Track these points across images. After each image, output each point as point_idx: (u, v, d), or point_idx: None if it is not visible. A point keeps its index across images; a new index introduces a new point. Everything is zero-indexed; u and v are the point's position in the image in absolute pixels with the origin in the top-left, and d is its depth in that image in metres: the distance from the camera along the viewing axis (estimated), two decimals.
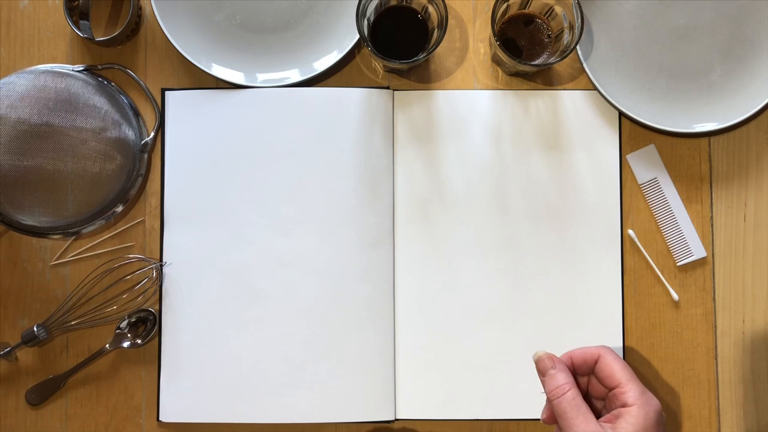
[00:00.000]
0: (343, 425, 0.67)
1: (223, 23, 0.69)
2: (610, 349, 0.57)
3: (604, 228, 0.68)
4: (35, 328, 0.66)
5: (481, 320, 0.67)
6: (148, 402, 0.67)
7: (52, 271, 0.68)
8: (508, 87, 0.69)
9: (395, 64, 0.63)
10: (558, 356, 0.57)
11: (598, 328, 0.67)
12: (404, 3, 0.66)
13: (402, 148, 0.69)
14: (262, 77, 0.68)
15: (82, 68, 0.68)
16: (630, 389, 0.54)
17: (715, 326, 0.68)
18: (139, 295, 0.67)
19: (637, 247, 0.68)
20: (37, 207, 0.65)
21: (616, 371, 0.55)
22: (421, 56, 0.63)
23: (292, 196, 0.68)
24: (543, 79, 0.69)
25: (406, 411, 0.67)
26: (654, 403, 0.54)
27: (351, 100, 0.68)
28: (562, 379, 0.54)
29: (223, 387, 0.67)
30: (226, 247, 0.68)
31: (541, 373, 0.56)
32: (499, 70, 0.69)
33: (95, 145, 0.65)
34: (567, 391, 0.54)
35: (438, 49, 0.62)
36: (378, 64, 0.69)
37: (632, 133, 0.69)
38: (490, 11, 0.63)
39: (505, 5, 0.64)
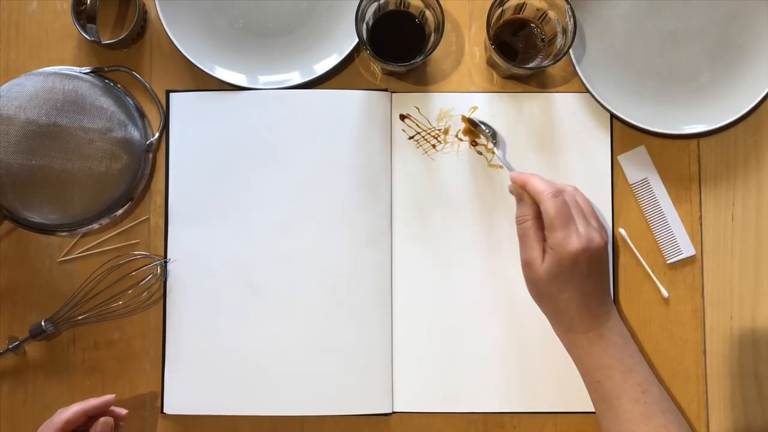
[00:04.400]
0: (342, 418, 0.69)
1: (226, 27, 0.70)
2: (554, 194, 0.60)
3: None
4: (43, 323, 0.68)
5: (476, 316, 0.69)
6: (153, 395, 0.69)
7: (59, 268, 0.70)
8: (502, 89, 0.71)
9: (393, 67, 0.65)
10: (530, 182, 0.62)
11: None
12: (402, 8, 0.67)
13: (399, 149, 0.70)
14: (263, 79, 0.70)
15: (89, 70, 0.69)
16: (551, 235, 0.60)
17: (704, 322, 0.69)
18: (143, 291, 0.69)
19: (628, 245, 0.69)
20: (45, 205, 0.66)
21: (546, 218, 0.60)
22: (418, 59, 0.64)
23: (293, 194, 0.69)
24: (537, 81, 0.71)
25: (403, 404, 0.68)
26: (568, 248, 0.59)
27: (350, 101, 0.70)
28: (525, 210, 0.63)
29: (225, 380, 0.68)
30: (228, 244, 0.69)
31: (516, 197, 0.64)
32: (494, 73, 0.71)
33: (101, 145, 0.66)
34: (525, 222, 0.62)
35: (435, 53, 0.63)
36: (377, 67, 0.71)
37: (623, 134, 0.70)
38: (486, 16, 0.65)
39: (500, 10, 0.66)
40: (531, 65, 0.67)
